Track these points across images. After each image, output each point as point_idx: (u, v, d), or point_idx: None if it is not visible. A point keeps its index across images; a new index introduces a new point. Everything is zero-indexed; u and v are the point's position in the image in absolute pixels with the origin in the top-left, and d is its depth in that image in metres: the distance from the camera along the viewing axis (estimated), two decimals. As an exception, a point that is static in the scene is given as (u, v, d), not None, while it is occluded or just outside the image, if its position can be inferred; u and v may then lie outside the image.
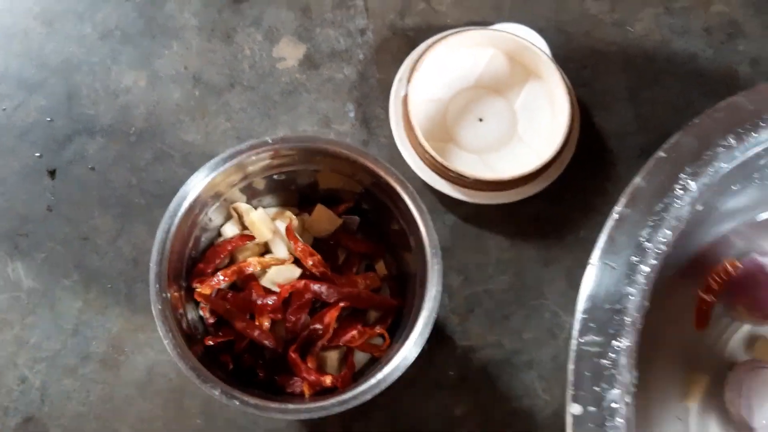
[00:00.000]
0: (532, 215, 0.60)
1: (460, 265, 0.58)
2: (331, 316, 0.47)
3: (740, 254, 0.55)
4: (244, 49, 0.63)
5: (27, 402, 0.54)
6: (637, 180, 0.47)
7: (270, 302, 0.46)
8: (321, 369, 0.47)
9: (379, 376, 0.42)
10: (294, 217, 0.50)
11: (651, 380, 0.52)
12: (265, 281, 0.48)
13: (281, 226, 0.49)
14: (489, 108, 0.62)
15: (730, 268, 0.54)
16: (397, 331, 0.49)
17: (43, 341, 0.56)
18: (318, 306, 0.49)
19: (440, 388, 0.55)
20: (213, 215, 0.49)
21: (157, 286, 0.42)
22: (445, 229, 0.59)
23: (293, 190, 0.52)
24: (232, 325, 0.47)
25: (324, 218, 0.52)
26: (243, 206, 0.49)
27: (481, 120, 0.61)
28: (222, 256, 0.48)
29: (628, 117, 0.63)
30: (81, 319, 0.56)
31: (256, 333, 0.46)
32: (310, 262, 0.48)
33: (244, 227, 0.50)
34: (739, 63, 0.65)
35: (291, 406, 0.41)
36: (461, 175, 0.56)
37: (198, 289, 0.46)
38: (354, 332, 0.48)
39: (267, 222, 0.49)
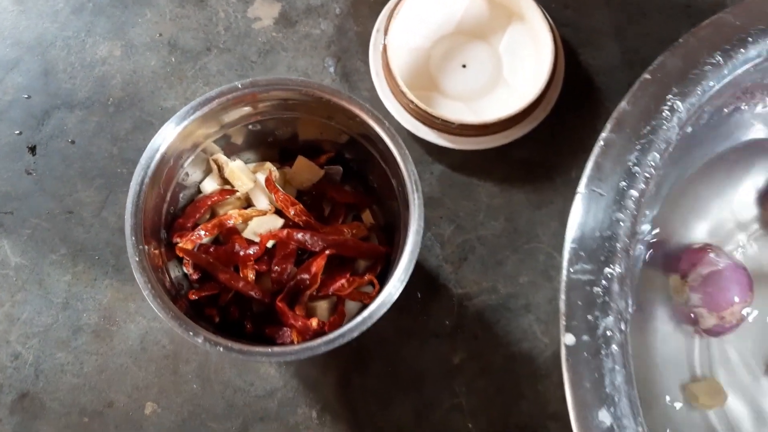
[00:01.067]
0: (520, 159, 0.58)
1: (450, 214, 0.57)
2: (317, 265, 0.46)
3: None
4: (219, 11, 0.62)
5: (21, 378, 0.54)
6: (623, 104, 0.46)
7: (252, 252, 0.45)
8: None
9: (365, 314, 0.41)
10: (274, 168, 0.49)
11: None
12: (247, 233, 0.47)
13: (261, 178, 0.48)
14: (472, 53, 0.60)
15: None
16: (387, 278, 0.48)
17: (34, 317, 0.55)
18: (305, 257, 0.48)
19: (437, 337, 0.54)
20: (190, 169, 0.48)
21: (133, 238, 0.41)
22: (433, 179, 0.58)
23: (272, 142, 0.51)
24: (216, 279, 0.46)
25: (305, 169, 0.50)
26: (223, 158, 0.48)
27: (464, 66, 0.60)
28: (202, 210, 0.47)
29: (615, 53, 0.61)
30: (71, 292, 0.56)
31: (241, 284, 0.45)
32: (292, 212, 0.47)
33: (224, 181, 0.49)
34: (728, -9, 0.63)
35: (277, 349, 0.40)
36: (446, 121, 0.55)
37: (179, 244, 0.45)
38: (343, 281, 0.47)
39: (247, 171, 0.48)
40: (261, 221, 0.47)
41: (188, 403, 0.53)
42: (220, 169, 0.48)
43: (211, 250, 0.47)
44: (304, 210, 0.47)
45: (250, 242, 0.47)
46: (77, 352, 0.54)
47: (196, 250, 0.46)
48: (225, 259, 0.46)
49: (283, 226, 0.48)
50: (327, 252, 0.46)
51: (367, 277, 0.48)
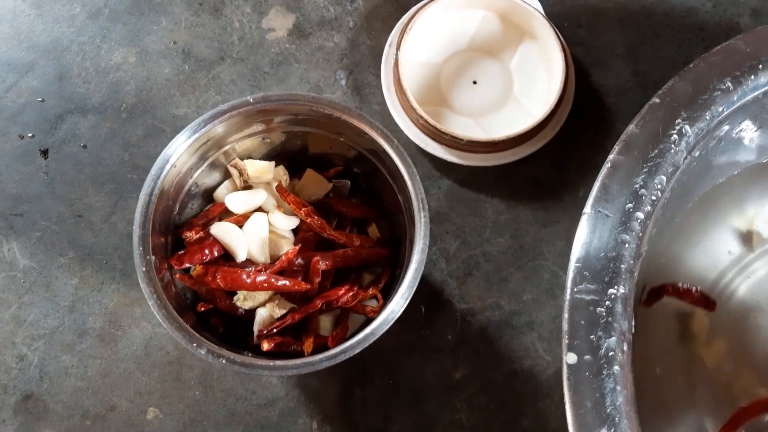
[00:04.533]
0: (528, 176, 0.59)
1: (456, 229, 0.57)
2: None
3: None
4: (233, 21, 0.63)
5: (26, 379, 0.54)
6: (631, 127, 0.46)
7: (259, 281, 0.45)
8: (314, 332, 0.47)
9: (367, 330, 0.41)
10: (285, 172, 0.50)
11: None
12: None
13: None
14: (483, 70, 0.60)
15: None
16: (391, 293, 0.48)
17: (41, 319, 0.56)
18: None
19: (439, 352, 0.54)
20: (200, 180, 0.48)
21: (141, 248, 0.41)
22: (441, 194, 0.58)
23: (281, 155, 0.51)
24: (215, 306, 0.46)
25: (314, 182, 0.51)
26: (241, 162, 0.48)
27: (475, 83, 0.60)
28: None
29: (626, 74, 0.61)
30: (77, 295, 0.56)
31: (240, 311, 0.46)
32: (303, 212, 0.47)
33: (245, 187, 0.49)
34: (740, 15, 0.63)
35: (278, 363, 0.40)
36: (455, 138, 0.55)
37: (179, 273, 0.46)
38: (348, 294, 0.47)
39: (270, 168, 0.49)
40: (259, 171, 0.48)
41: (190, 409, 0.54)
42: (241, 172, 0.48)
43: (218, 275, 0.46)
44: (314, 210, 0.47)
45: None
46: (82, 355, 0.55)
47: (202, 266, 0.46)
48: (230, 282, 0.45)
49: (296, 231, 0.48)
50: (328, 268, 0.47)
51: (371, 291, 0.48)
